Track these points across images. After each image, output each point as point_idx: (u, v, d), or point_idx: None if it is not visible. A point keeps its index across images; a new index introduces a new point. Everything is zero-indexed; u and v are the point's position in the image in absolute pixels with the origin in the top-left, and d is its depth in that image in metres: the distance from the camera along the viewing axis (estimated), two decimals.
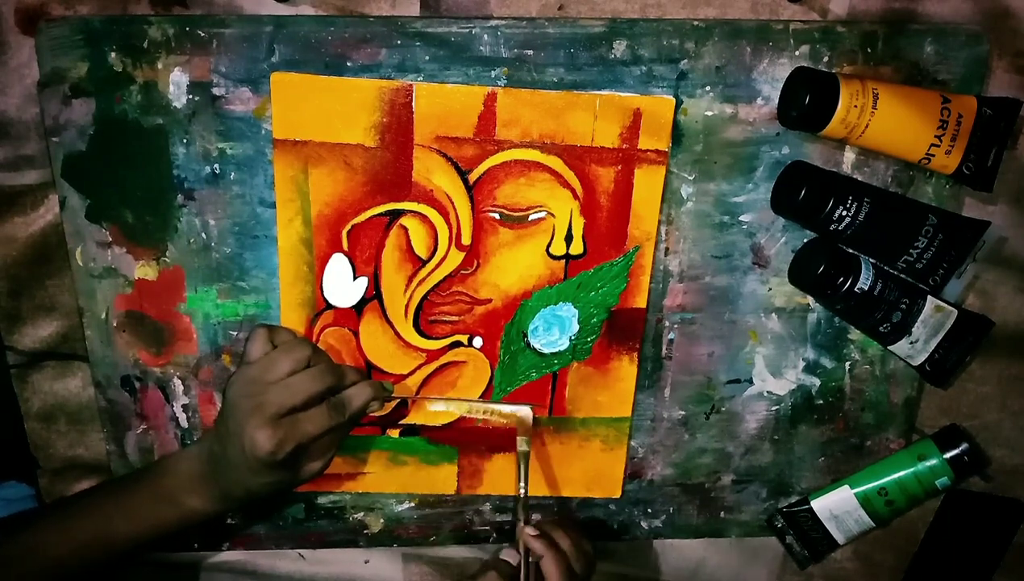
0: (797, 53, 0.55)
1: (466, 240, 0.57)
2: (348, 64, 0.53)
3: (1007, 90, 0.58)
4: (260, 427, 0.50)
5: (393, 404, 0.60)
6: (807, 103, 0.52)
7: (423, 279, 0.58)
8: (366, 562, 0.68)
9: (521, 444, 0.60)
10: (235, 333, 0.59)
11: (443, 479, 0.64)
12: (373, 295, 0.58)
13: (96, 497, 0.56)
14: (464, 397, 0.62)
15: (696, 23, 0.54)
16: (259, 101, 0.54)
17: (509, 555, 0.58)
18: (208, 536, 0.65)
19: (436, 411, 0.62)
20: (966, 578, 0.69)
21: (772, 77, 0.55)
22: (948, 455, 0.61)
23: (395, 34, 0.53)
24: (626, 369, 0.62)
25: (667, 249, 0.59)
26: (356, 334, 0.59)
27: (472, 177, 0.56)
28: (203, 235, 0.57)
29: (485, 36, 0.53)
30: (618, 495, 0.66)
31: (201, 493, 0.54)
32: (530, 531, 0.57)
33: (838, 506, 0.64)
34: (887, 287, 0.57)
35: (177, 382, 0.61)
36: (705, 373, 0.63)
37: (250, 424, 0.51)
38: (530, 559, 0.57)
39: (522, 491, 0.58)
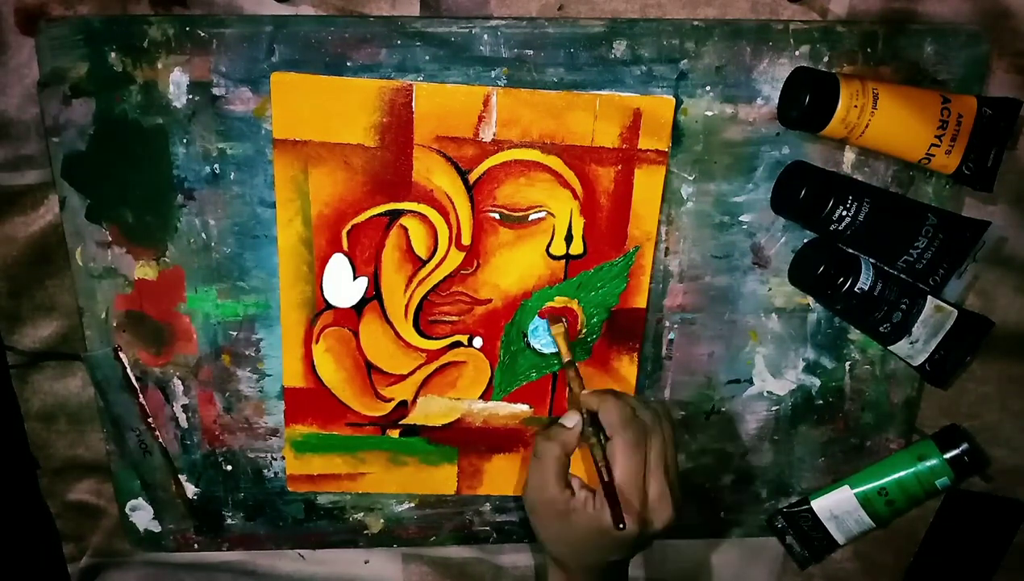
0: (797, 53, 0.55)
1: (466, 240, 0.57)
2: (348, 64, 0.53)
3: (1007, 90, 0.57)
4: None
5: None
6: (807, 103, 0.52)
7: (423, 279, 0.58)
8: (366, 562, 0.68)
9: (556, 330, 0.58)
10: (235, 333, 0.59)
11: (443, 479, 0.64)
12: (373, 295, 0.58)
13: None
14: (467, 398, 0.62)
15: (696, 23, 0.54)
16: (259, 101, 0.54)
17: (566, 419, 0.55)
18: (208, 535, 0.65)
19: (436, 411, 0.62)
20: (966, 578, 0.69)
21: (772, 77, 0.55)
22: (948, 455, 0.61)
23: (395, 34, 0.53)
24: (626, 369, 0.62)
25: (667, 249, 0.59)
26: (356, 334, 0.59)
27: (472, 177, 0.56)
28: (203, 235, 0.57)
29: (485, 36, 0.53)
30: None
31: None
32: (586, 392, 0.55)
33: (838, 506, 0.64)
34: (887, 287, 0.57)
35: (177, 382, 0.61)
36: (705, 373, 0.63)
37: None
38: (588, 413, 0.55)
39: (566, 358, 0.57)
